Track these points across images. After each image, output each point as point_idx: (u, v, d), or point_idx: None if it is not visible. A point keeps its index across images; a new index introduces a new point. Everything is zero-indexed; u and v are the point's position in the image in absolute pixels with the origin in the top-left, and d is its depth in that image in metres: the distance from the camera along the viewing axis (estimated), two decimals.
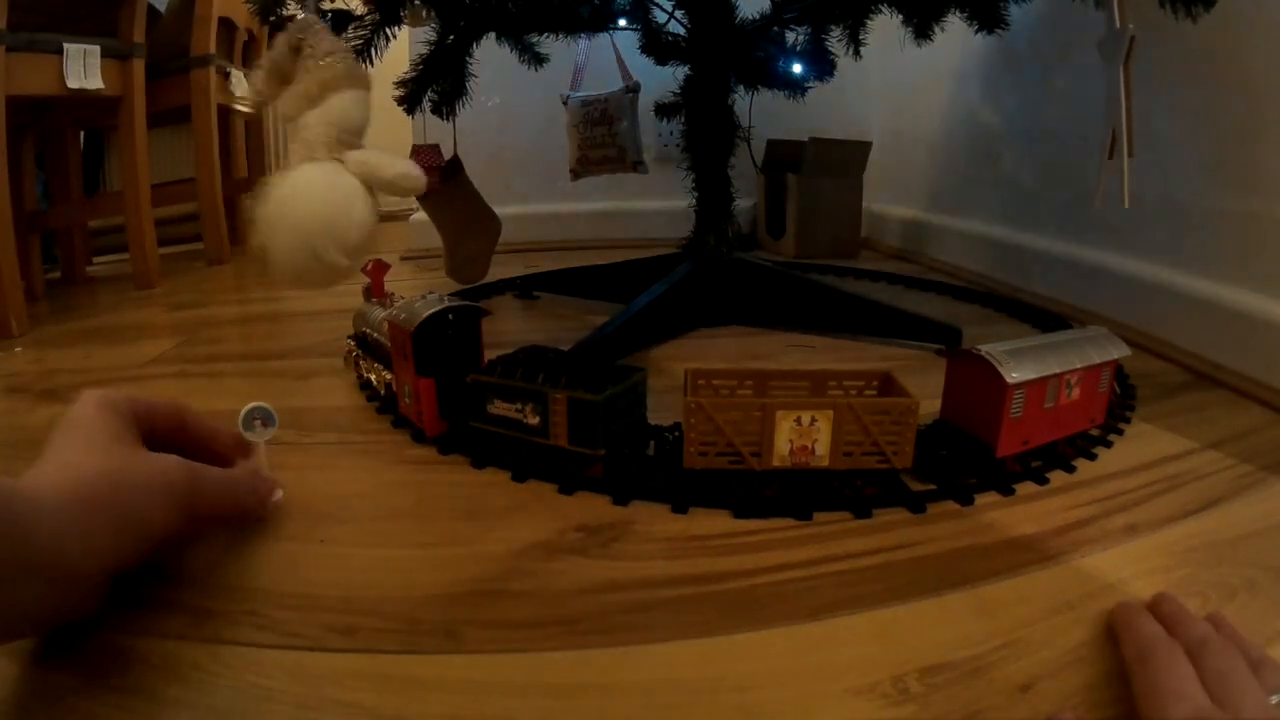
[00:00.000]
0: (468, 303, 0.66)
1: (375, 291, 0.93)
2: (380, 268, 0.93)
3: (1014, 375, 0.59)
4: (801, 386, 0.65)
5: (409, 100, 1.14)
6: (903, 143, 1.73)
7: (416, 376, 0.66)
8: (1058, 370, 0.62)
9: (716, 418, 0.58)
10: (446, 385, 0.67)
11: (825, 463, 0.59)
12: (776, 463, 0.59)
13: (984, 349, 0.61)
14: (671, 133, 1.37)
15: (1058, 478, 0.64)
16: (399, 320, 0.64)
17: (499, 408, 0.64)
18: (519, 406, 0.63)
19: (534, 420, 0.63)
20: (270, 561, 0.52)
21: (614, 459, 0.62)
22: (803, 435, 0.58)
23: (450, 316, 0.65)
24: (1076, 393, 0.64)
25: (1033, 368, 0.60)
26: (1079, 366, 0.63)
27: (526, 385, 0.62)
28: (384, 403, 0.79)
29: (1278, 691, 0.36)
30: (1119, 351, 0.66)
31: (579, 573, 0.51)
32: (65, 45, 1.30)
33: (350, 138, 0.68)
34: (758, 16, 1.12)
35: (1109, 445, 0.70)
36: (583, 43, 1.34)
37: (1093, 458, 0.68)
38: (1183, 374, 0.91)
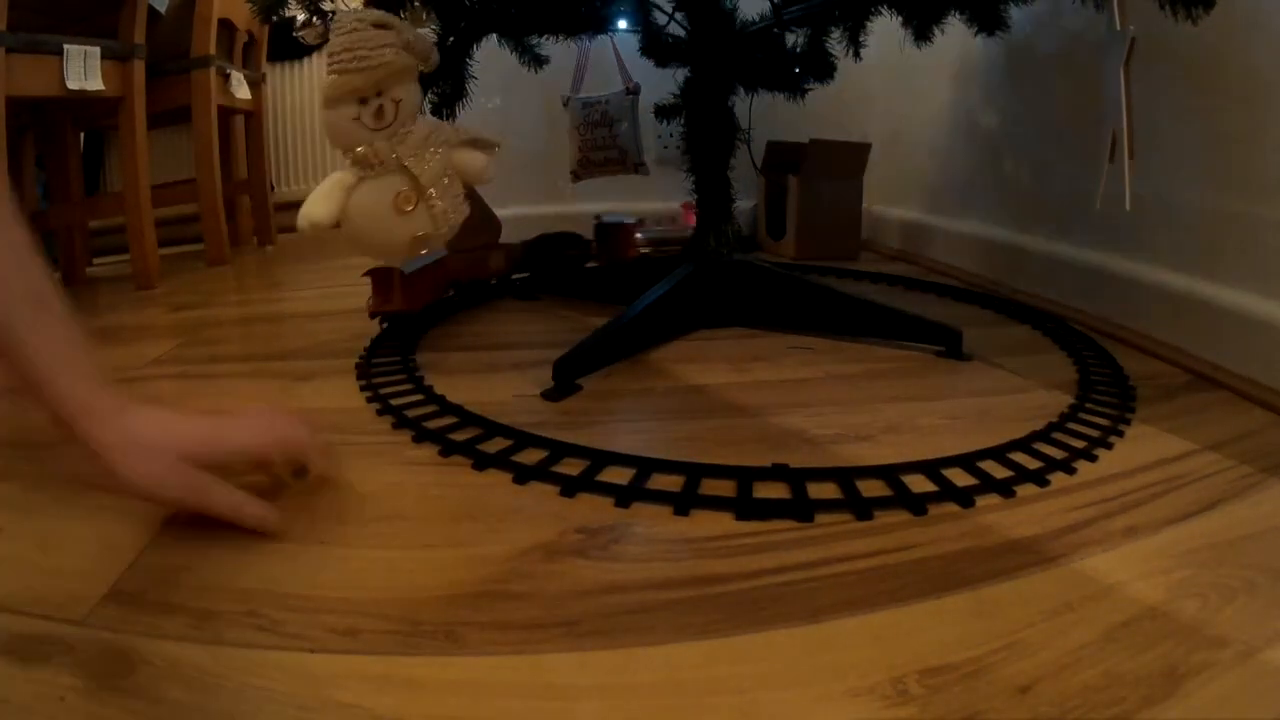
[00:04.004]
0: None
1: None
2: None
3: None
4: None
5: None
6: (903, 144, 1.73)
7: None
8: None
9: None
10: None
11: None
12: None
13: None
14: (672, 134, 1.37)
15: (1058, 479, 0.64)
16: None
17: None
18: None
19: None
20: (271, 563, 0.52)
21: None
22: None
23: None
24: None
25: None
26: None
27: None
28: (384, 405, 0.79)
29: None
30: None
31: (579, 574, 0.51)
32: (65, 46, 1.30)
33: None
34: (758, 18, 1.12)
35: (1109, 447, 0.70)
36: (583, 45, 1.34)
37: (1093, 459, 0.68)
38: (1183, 375, 0.91)
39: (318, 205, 0.72)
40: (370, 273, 1.03)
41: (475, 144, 0.77)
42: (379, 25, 0.71)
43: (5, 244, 0.52)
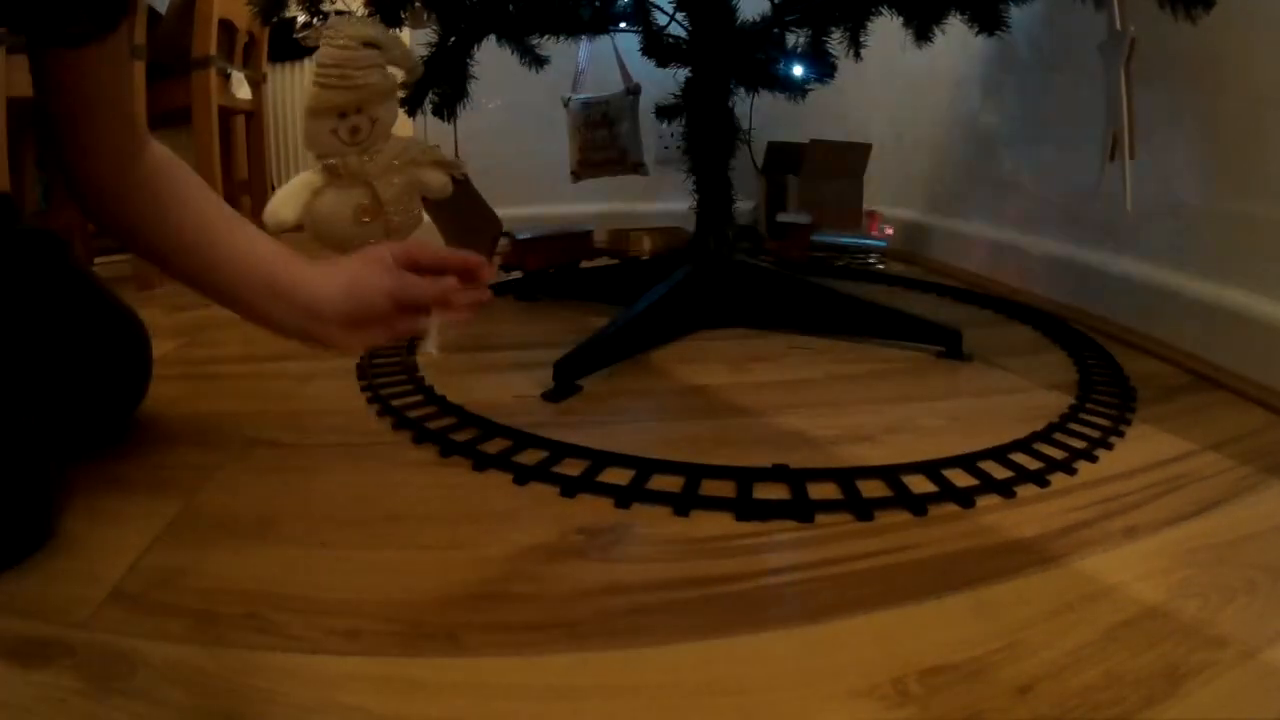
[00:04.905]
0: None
1: None
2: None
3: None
4: None
5: (410, 102, 1.14)
6: (903, 145, 1.73)
7: None
8: None
9: None
10: None
11: None
12: None
13: None
14: (672, 135, 1.37)
15: (1058, 480, 0.64)
16: None
17: None
18: None
19: None
20: (272, 565, 0.52)
21: None
22: None
23: None
24: None
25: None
26: None
27: None
28: (384, 405, 0.79)
29: None
30: None
31: (580, 575, 0.51)
32: None
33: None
34: (758, 19, 1.12)
35: (1109, 447, 0.70)
36: (584, 45, 1.34)
37: (1093, 460, 0.68)
38: (1183, 376, 0.91)
39: (285, 206, 0.77)
40: (507, 233, 1.30)
41: (440, 164, 0.82)
42: (369, 44, 0.73)
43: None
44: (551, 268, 1.39)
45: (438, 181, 0.81)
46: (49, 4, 0.51)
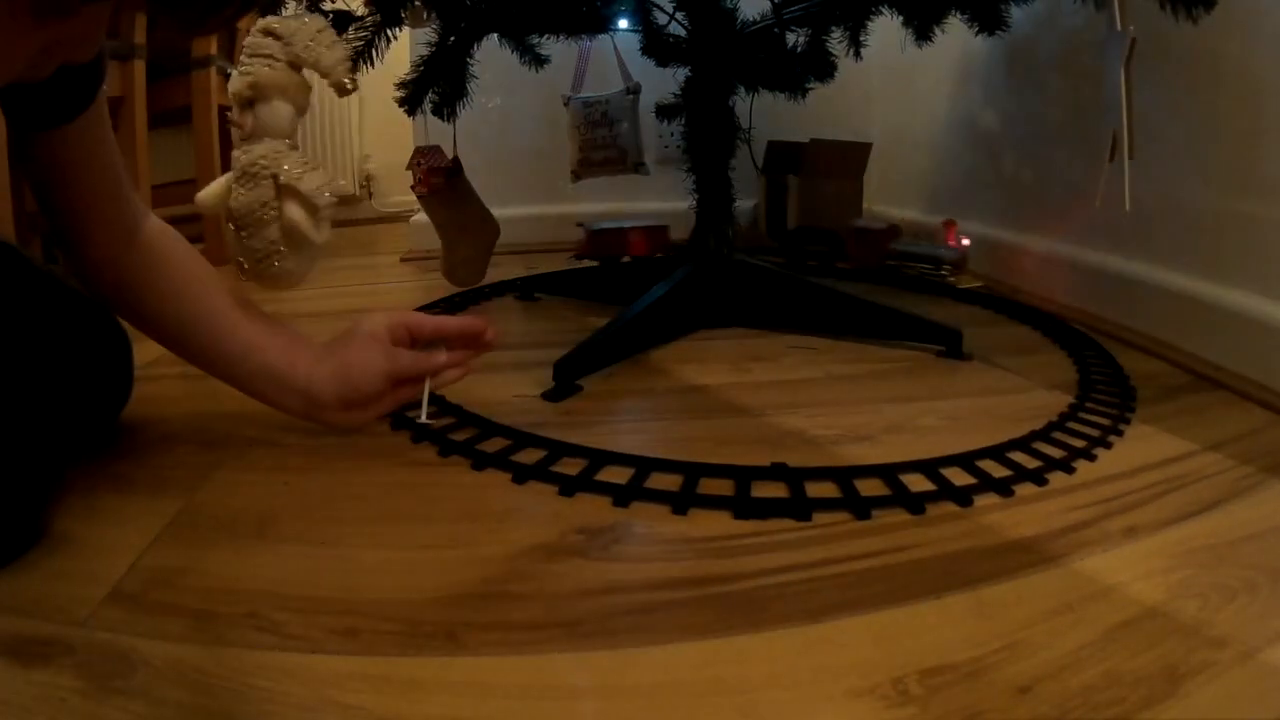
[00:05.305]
0: None
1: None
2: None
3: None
4: None
5: (410, 101, 1.14)
6: (903, 144, 1.73)
7: None
8: None
9: None
10: None
11: None
12: None
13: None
14: (672, 134, 1.37)
15: (1057, 479, 0.64)
16: None
17: None
18: None
19: None
20: (271, 564, 0.52)
21: None
22: None
23: None
24: None
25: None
26: None
27: None
28: None
29: None
30: None
31: (579, 575, 0.51)
32: None
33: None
34: (758, 18, 1.12)
35: (1109, 446, 0.70)
36: (584, 44, 1.34)
37: (1093, 459, 0.68)
38: (1183, 375, 0.91)
39: (208, 194, 0.74)
40: (580, 224, 1.49)
41: (299, 197, 0.67)
42: (268, 33, 0.69)
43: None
44: (626, 258, 1.45)
45: (293, 217, 0.67)
46: (14, 90, 0.50)
